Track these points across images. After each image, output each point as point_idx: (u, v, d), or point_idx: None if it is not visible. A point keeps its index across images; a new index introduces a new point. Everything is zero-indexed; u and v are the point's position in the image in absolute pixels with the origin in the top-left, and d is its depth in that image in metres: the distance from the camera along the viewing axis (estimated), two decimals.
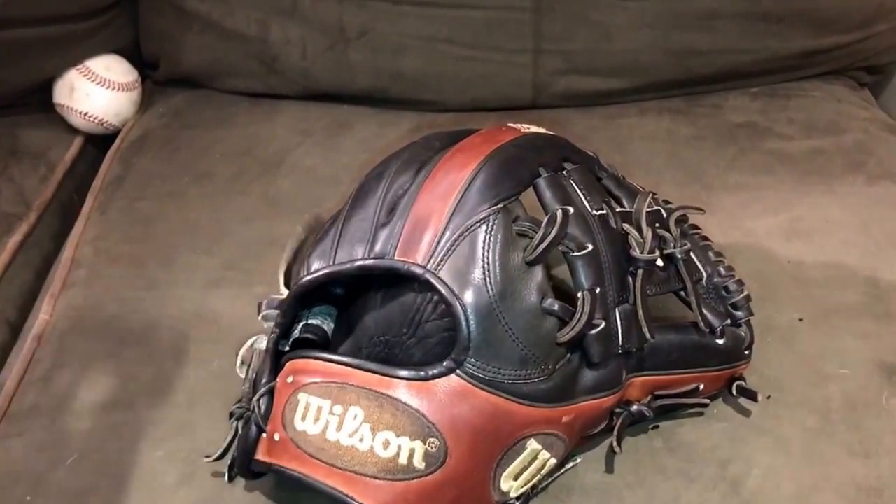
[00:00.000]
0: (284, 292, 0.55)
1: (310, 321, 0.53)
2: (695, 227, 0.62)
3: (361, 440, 0.45)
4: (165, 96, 0.98)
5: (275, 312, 0.53)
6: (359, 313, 0.51)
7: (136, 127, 0.94)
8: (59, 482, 0.55)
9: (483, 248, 0.46)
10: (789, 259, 0.71)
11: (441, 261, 0.46)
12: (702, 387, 0.56)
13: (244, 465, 0.50)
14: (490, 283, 0.46)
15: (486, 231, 0.47)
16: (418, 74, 0.91)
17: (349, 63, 0.91)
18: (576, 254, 0.49)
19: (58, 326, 0.69)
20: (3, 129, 0.94)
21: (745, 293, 0.58)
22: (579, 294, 0.48)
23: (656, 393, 0.54)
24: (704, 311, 0.56)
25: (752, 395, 0.57)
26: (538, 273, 0.47)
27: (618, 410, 0.53)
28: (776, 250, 0.72)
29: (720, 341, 0.56)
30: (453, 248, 0.46)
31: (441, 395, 0.45)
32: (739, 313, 0.57)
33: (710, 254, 0.60)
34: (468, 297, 0.45)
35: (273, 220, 0.78)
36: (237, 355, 0.55)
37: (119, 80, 0.93)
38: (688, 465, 0.55)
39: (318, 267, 0.50)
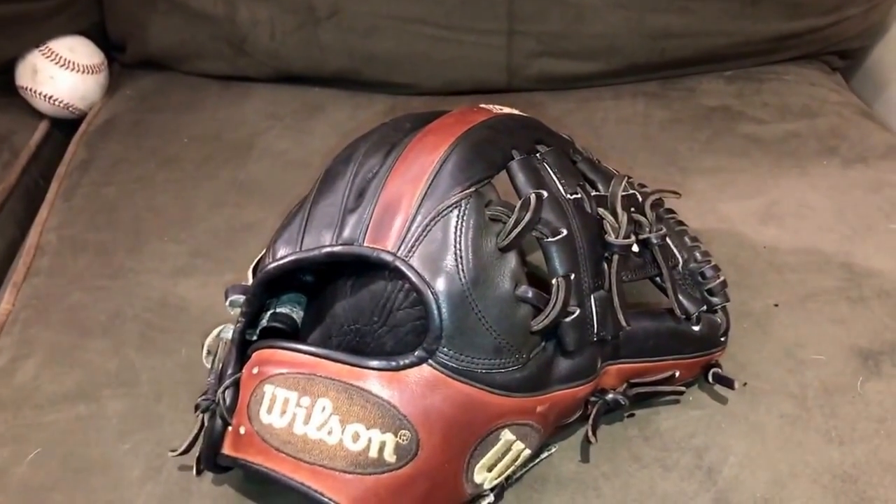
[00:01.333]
0: (249, 278, 0.53)
1: (278, 310, 0.51)
2: (670, 211, 0.61)
3: (330, 433, 0.44)
4: (133, 79, 0.96)
5: (241, 299, 0.51)
6: (328, 301, 0.50)
7: (102, 111, 0.92)
8: (22, 477, 0.54)
9: (455, 233, 0.45)
10: (764, 244, 0.71)
11: (412, 247, 0.45)
12: (677, 374, 0.55)
13: (210, 459, 0.49)
14: (462, 269, 0.44)
15: (458, 216, 0.45)
16: (391, 56, 0.90)
17: (319, 44, 0.90)
18: (550, 239, 0.48)
19: (21, 316, 0.67)
20: None
21: (722, 279, 0.57)
22: (553, 281, 0.47)
23: (632, 381, 0.54)
24: (680, 297, 0.55)
25: (728, 383, 0.56)
26: (511, 259, 0.46)
27: (592, 399, 0.52)
28: (751, 235, 0.72)
29: (696, 328, 0.55)
30: (424, 233, 0.45)
31: (413, 385, 0.44)
32: (715, 299, 0.57)
33: (686, 238, 0.59)
34: (440, 284, 0.44)
35: (243, 206, 0.76)
36: (203, 345, 0.53)
37: (84, 62, 0.91)
38: (664, 454, 0.54)
39: (284, 253, 0.48)
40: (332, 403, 0.44)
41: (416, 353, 0.44)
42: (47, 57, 0.90)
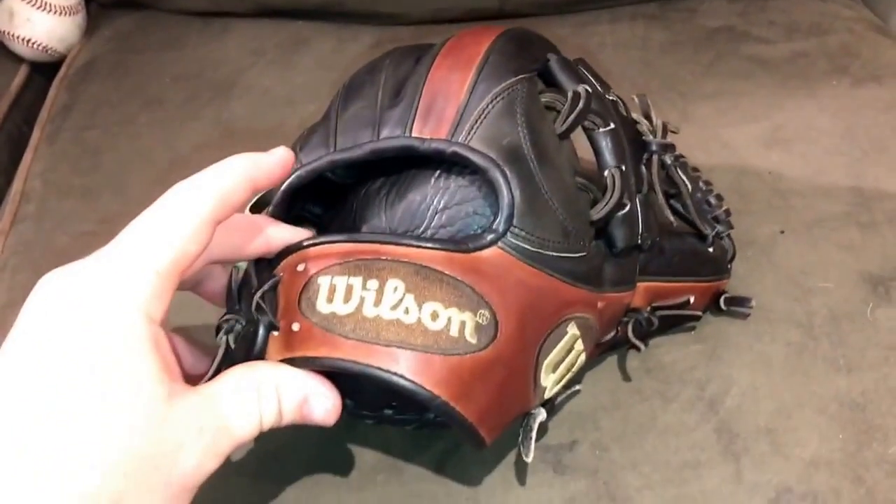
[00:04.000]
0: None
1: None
2: (670, 143, 0.59)
3: (407, 312, 0.39)
4: (111, 19, 0.93)
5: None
6: (356, 213, 0.45)
7: (82, 53, 0.89)
8: None
9: (515, 114, 0.42)
10: (769, 169, 0.68)
11: (470, 131, 0.42)
12: (692, 300, 0.54)
13: None
14: (528, 148, 0.42)
15: (515, 99, 0.43)
16: None
17: None
18: (601, 130, 0.46)
19: (9, 263, 0.66)
20: None
21: (725, 207, 0.56)
22: (607, 172, 0.46)
23: (654, 304, 0.52)
24: (700, 217, 0.54)
25: (744, 302, 0.55)
26: (567, 148, 0.45)
27: (625, 319, 0.51)
28: (755, 160, 0.69)
29: (710, 249, 0.54)
30: (482, 117, 0.42)
31: (485, 266, 0.40)
32: (720, 227, 0.55)
33: (688, 169, 0.57)
34: (508, 162, 0.41)
35: (228, 146, 0.72)
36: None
37: (61, 3, 0.88)
38: (665, 387, 0.53)
39: (315, 157, 0.44)
40: (403, 283, 0.39)
41: (487, 236, 0.41)
42: None
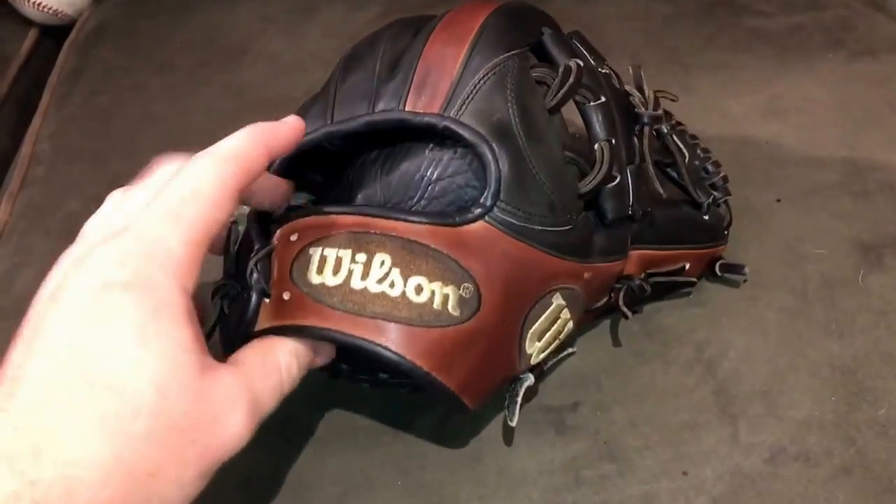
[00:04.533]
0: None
1: (291, 204, 0.48)
2: (667, 112, 0.60)
3: (392, 286, 0.41)
4: None
5: None
6: (353, 183, 0.47)
7: (92, 17, 0.90)
8: None
9: (506, 90, 0.43)
10: (767, 139, 0.70)
11: (461, 106, 0.43)
12: (687, 266, 0.55)
13: (241, 338, 0.43)
14: (517, 124, 0.43)
15: (506, 75, 0.44)
16: None
17: None
18: (592, 104, 0.47)
19: (17, 226, 0.67)
20: None
21: (723, 174, 0.57)
22: (596, 145, 0.47)
23: (649, 271, 0.54)
24: (695, 185, 0.55)
25: (737, 269, 0.56)
26: (557, 122, 0.46)
27: (617, 285, 0.52)
28: (753, 131, 0.71)
29: (706, 217, 0.55)
30: (473, 92, 0.43)
31: (472, 240, 0.42)
32: (717, 193, 0.57)
33: (686, 137, 0.59)
34: (496, 138, 0.42)
35: (238, 111, 0.75)
36: None
37: None
38: (664, 349, 0.55)
39: (312, 128, 0.45)
40: (390, 257, 0.41)
41: (474, 210, 0.42)
42: None
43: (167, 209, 0.37)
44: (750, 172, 0.66)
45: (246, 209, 0.48)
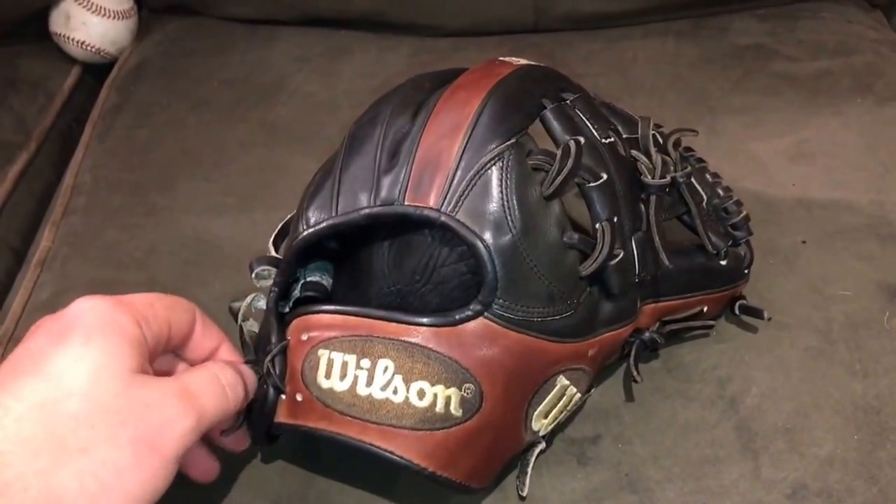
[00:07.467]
0: (272, 250, 0.52)
1: (308, 278, 0.50)
2: (689, 149, 0.60)
3: (395, 392, 0.43)
4: (162, 24, 0.97)
5: (267, 270, 0.50)
6: (364, 266, 0.49)
7: (133, 55, 0.93)
8: None
9: (500, 185, 0.44)
10: (793, 182, 0.70)
11: (457, 202, 0.44)
12: (706, 309, 0.55)
13: (262, 428, 0.47)
14: (511, 220, 0.44)
15: (501, 168, 0.44)
16: None
17: None
18: (592, 184, 0.48)
19: (60, 252, 0.69)
20: (2, 59, 0.93)
21: (744, 213, 0.57)
22: (598, 225, 0.47)
23: (664, 319, 0.54)
24: (709, 233, 0.55)
25: (756, 313, 0.56)
26: (556, 207, 0.46)
27: (630, 339, 0.52)
28: (780, 173, 0.71)
29: (723, 262, 0.55)
30: (469, 188, 0.44)
31: (471, 338, 0.43)
32: (739, 233, 0.57)
33: (707, 175, 0.59)
34: (490, 236, 0.43)
35: (272, 147, 0.77)
36: (237, 311, 0.52)
37: (115, 7, 0.92)
38: (686, 385, 0.55)
39: (319, 219, 0.47)
40: (393, 363, 0.43)
41: (472, 307, 0.44)
42: (80, 3, 0.91)
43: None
44: (776, 214, 0.67)
45: (261, 298, 0.51)
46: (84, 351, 0.38)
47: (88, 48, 0.92)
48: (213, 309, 0.60)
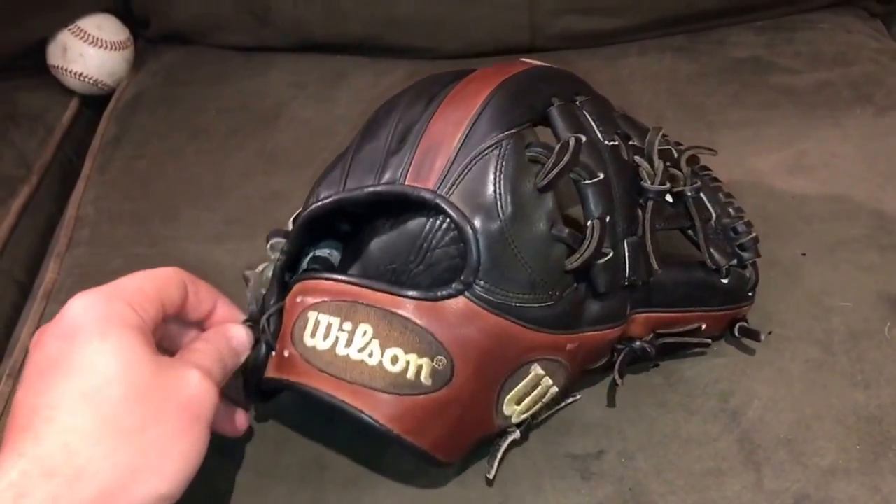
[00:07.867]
0: (290, 227, 0.54)
1: (317, 253, 0.53)
2: (705, 168, 0.61)
3: (370, 355, 0.45)
4: (158, 54, 0.98)
5: (282, 242, 0.53)
6: (365, 243, 0.51)
7: (130, 86, 0.94)
8: None
9: (495, 172, 0.46)
10: (793, 194, 0.70)
11: (452, 185, 0.46)
12: (703, 326, 0.55)
13: (254, 383, 0.51)
14: (501, 206, 0.45)
15: (498, 156, 0.46)
16: (411, 20, 0.90)
17: (341, 10, 0.90)
18: (587, 182, 0.49)
19: (66, 284, 0.70)
20: (1, 93, 0.94)
21: (753, 235, 0.57)
22: (588, 222, 0.48)
23: (658, 331, 0.54)
24: (711, 249, 0.55)
25: (754, 336, 0.56)
26: (549, 200, 0.47)
27: (619, 346, 0.53)
28: (780, 186, 0.71)
29: (725, 281, 0.55)
30: (465, 172, 0.46)
31: (449, 315, 0.45)
32: (746, 254, 0.56)
33: (720, 195, 0.59)
34: (479, 220, 0.45)
35: (272, 174, 0.78)
36: (245, 277, 0.54)
37: (111, 38, 0.93)
38: (688, 399, 0.54)
39: (327, 195, 0.50)
40: (372, 328, 0.45)
41: (454, 286, 0.45)
42: (76, 35, 0.91)
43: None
44: (776, 226, 0.66)
45: (272, 268, 0.53)
46: (103, 343, 0.41)
47: (86, 80, 0.93)
48: None
